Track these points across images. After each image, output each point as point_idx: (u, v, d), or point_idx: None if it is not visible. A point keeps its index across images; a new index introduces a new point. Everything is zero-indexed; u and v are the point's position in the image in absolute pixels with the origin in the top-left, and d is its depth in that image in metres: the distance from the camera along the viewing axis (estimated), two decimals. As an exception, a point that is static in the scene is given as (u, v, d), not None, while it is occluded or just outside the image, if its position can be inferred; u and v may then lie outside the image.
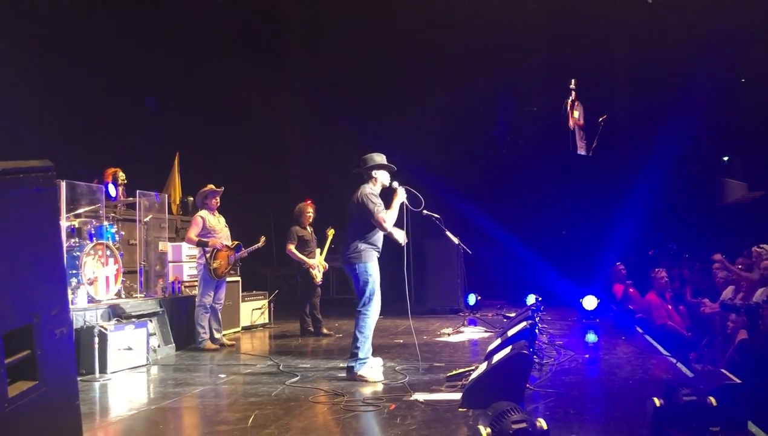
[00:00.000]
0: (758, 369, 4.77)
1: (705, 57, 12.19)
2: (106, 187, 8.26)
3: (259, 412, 4.63)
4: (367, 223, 5.88)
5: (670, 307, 8.97)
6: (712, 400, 3.29)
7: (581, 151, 14.08)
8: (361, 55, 12.69)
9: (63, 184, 6.91)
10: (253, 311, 9.74)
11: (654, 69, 12.64)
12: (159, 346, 7.32)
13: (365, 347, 5.76)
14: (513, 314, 9.33)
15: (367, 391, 5.33)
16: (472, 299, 11.28)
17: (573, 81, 13.63)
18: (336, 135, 13.04)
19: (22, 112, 8.84)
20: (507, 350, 4.75)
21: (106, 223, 7.43)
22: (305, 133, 13.72)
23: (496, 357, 4.77)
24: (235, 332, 9.04)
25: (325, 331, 8.79)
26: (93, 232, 7.16)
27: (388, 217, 5.86)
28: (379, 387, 5.46)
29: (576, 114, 13.76)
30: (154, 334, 7.30)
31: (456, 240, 9.13)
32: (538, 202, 13.58)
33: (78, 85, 10.51)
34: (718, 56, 12.07)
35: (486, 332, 8.84)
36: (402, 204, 6.05)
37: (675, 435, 3.27)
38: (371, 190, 5.96)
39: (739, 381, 4.02)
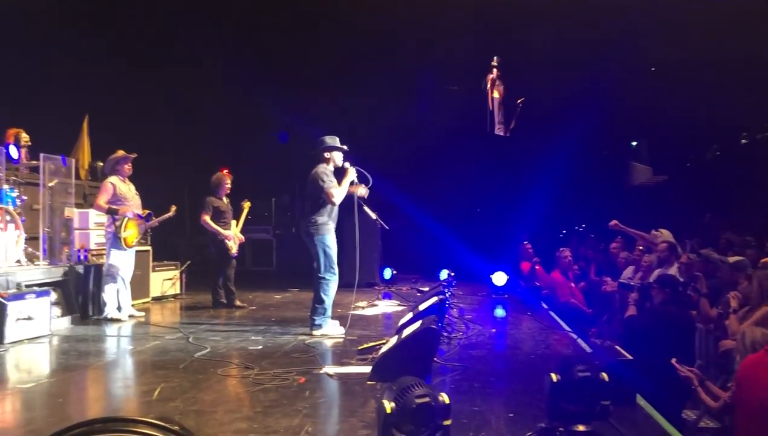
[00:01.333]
0: (644, 345, 5.07)
1: (618, 44, 12.61)
2: (7, 149, 7.80)
3: (166, 385, 4.56)
4: (321, 198, 6.54)
5: (573, 285, 9.37)
6: (605, 375, 3.47)
7: (499, 132, 14.37)
8: (278, 30, 12.43)
9: (-42, 144, 6.50)
10: (164, 281, 9.52)
11: (570, 53, 12.99)
12: (62, 316, 7.05)
13: (328, 309, 6.58)
14: (426, 289, 9.53)
15: (278, 364, 5.33)
16: (387, 273, 11.42)
17: (495, 58, 13.82)
18: (253, 107, 12.77)
19: None
20: (417, 324, 4.86)
21: (6, 186, 7.06)
22: (222, 102, 13.35)
23: (406, 331, 4.87)
24: (144, 303, 8.81)
25: (238, 303, 8.70)
26: (-9, 196, 6.78)
27: (336, 192, 6.57)
28: (291, 360, 5.48)
29: (496, 93, 13.99)
30: (58, 303, 7.03)
31: (374, 215, 9.19)
32: (454, 179, 13.81)
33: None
34: (630, 43, 12.51)
35: (399, 305, 8.98)
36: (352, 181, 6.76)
37: (570, 409, 3.44)
38: (324, 170, 6.61)
39: (630, 357, 4.27)
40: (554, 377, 3.44)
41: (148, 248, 9.07)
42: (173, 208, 8.39)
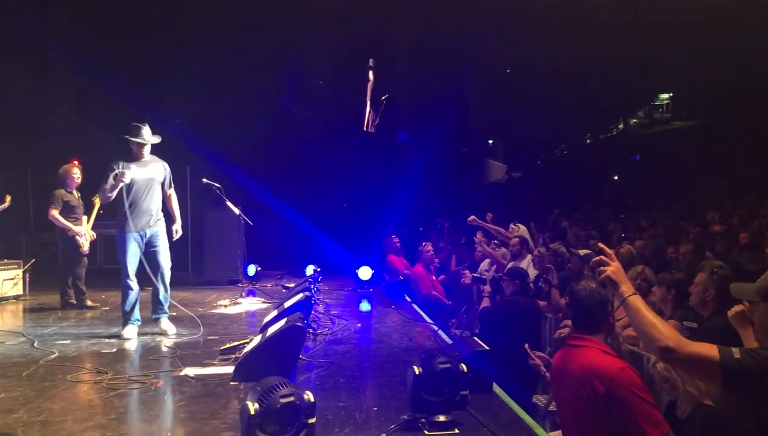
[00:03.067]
0: (497, 336, 5.34)
1: (476, 46, 13.18)
2: None
3: (6, 395, 4.21)
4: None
5: (434, 278, 9.67)
6: (464, 367, 3.62)
7: (367, 128, 14.57)
8: (132, 13, 11.77)
9: None
10: (5, 281, 8.74)
11: (431, 53, 13.39)
12: None
13: (122, 309, 6.25)
14: (292, 285, 9.44)
15: (134, 367, 5.08)
16: (251, 269, 11.18)
17: (371, 60, 13.98)
18: (103, 94, 12.00)
19: None
20: (282, 322, 4.80)
21: None
22: (68, 87, 12.41)
23: (271, 330, 4.80)
24: (-20, 305, 8.08)
25: (89, 303, 8.16)
26: None
27: (102, 192, 6.26)
28: (149, 362, 5.24)
29: (368, 93, 14.18)
30: None
31: (237, 210, 8.99)
32: (321, 174, 13.81)
33: None
34: (487, 47, 13.11)
35: (264, 302, 8.82)
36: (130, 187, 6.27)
37: (431, 400, 3.55)
38: (116, 163, 6.21)
39: (487, 348, 4.48)
40: (416, 369, 3.53)
41: (-14, 245, 8.32)
42: (8, 198, 7.74)
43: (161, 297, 6.37)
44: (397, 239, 10.93)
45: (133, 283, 6.27)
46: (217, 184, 8.49)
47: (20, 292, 8.99)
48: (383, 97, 14.05)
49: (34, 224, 12.14)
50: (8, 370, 4.91)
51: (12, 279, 8.86)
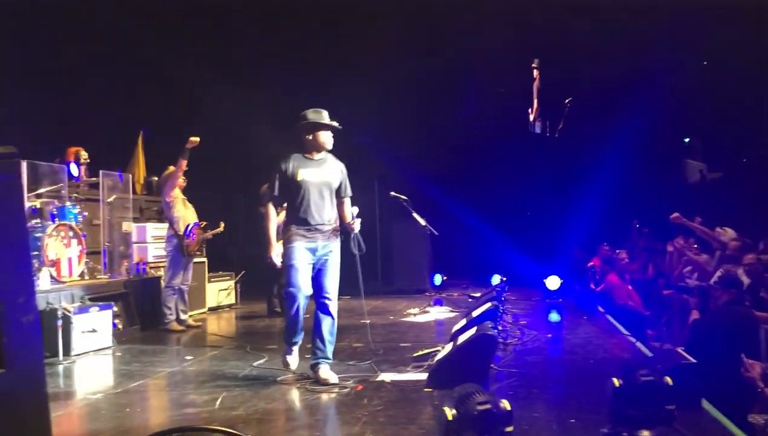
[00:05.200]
0: (709, 348, 4.93)
1: (668, 39, 12.34)
2: (68, 167, 8.10)
3: (227, 394, 4.66)
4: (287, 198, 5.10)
5: (630, 287, 9.17)
6: (669, 380, 3.40)
7: (540, 132, 14.22)
8: (318, 35, 12.46)
9: (24, 164, 6.75)
10: (220, 291, 9.70)
11: (618, 50, 12.74)
12: (124, 327, 7.26)
13: (289, 335, 5.13)
14: (478, 294, 9.48)
15: (335, 372, 5.37)
16: (438, 279, 11.39)
17: (536, 61, 13.69)
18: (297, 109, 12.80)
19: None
20: (472, 330, 4.84)
21: (68, 203, 7.30)
22: (271, 114, 13.41)
23: (461, 338, 4.86)
24: (201, 313, 9.01)
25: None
26: (55, 212, 7.02)
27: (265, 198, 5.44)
28: (348, 367, 5.49)
29: (535, 93, 13.88)
30: (120, 316, 7.24)
31: (423, 221, 9.22)
32: (504, 182, 13.69)
33: (36, 62, 10.19)
34: (681, 39, 12.24)
35: (451, 311, 8.94)
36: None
37: (632, 414, 3.38)
38: (284, 161, 5.01)
39: (694, 361, 4.17)
40: (616, 381, 3.39)
41: (204, 259, 9.27)
42: (221, 224, 8.64)
43: (325, 331, 5.02)
44: (607, 247, 10.55)
45: (300, 294, 4.93)
46: (404, 197, 8.78)
47: (233, 301, 9.93)
48: (567, 101, 13.64)
49: (243, 238, 13.28)
50: (227, 371, 5.44)
51: (226, 290, 9.80)
